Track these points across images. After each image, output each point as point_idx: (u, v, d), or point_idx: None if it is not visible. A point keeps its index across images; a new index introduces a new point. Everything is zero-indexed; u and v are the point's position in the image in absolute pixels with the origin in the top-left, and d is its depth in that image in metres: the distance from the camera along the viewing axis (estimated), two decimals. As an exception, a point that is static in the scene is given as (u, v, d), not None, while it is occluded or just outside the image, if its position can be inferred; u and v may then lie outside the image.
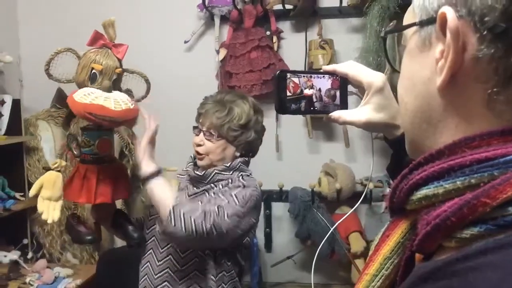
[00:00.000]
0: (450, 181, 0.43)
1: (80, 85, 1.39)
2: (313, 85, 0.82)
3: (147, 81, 1.52)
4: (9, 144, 2.33)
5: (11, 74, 2.44)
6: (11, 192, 2.42)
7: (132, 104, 1.37)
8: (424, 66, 0.48)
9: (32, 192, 1.46)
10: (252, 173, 1.63)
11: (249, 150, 1.63)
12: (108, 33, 1.40)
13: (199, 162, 1.59)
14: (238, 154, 1.59)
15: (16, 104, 2.42)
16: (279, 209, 2.64)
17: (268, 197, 2.54)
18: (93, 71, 1.36)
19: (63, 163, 1.50)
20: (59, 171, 1.49)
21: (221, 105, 1.55)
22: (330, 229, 2.30)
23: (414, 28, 0.50)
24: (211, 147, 1.55)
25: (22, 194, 2.46)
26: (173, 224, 1.34)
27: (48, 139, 2.58)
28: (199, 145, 1.57)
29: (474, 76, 0.44)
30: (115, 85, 1.40)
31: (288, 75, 0.80)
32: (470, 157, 0.43)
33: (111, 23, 1.40)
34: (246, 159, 1.61)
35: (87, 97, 1.31)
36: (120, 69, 1.41)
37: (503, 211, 0.41)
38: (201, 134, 1.58)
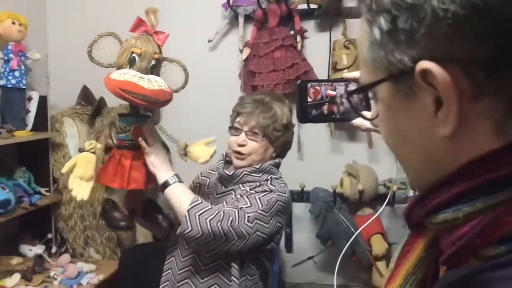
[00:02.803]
0: (469, 204, 0.43)
1: (119, 68, 1.41)
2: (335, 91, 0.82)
3: (185, 70, 1.52)
4: (35, 140, 2.38)
5: (38, 71, 2.48)
6: (37, 187, 2.47)
7: (166, 87, 1.38)
8: (413, 115, 0.46)
9: (64, 169, 1.46)
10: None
11: (283, 151, 1.62)
12: (150, 20, 1.43)
13: (240, 162, 1.57)
14: (274, 155, 1.59)
15: (42, 100, 2.46)
16: (300, 209, 2.64)
17: (290, 197, 2.54)
18: (133, 54, 1.39)
19: (98, 145, 1.50)
20: (93, 152, 1.49)
21: (265, 106, 1.55)
22: (351, 230, 2.29)
23: (385, 83, 0.47)
24: (255, 147, 1.54)
25: (47, 189, 2.50)
26: (189, 227, 1.35)
27: (73, 136, 2.62)
28: (241, 145, 1.55)
29: (478, 113, 0.43)
30: (153, 72, 1.41)
31: (309, 84, 0.80)
32: (484, 178, 0.43)
33: (153, 11, 1.43)
34: (277, 161, 1.59)
35: (122, 75, 1.32)
36: (159, 55, 1.42)
37: None
38: (243, 134, 1.56)
